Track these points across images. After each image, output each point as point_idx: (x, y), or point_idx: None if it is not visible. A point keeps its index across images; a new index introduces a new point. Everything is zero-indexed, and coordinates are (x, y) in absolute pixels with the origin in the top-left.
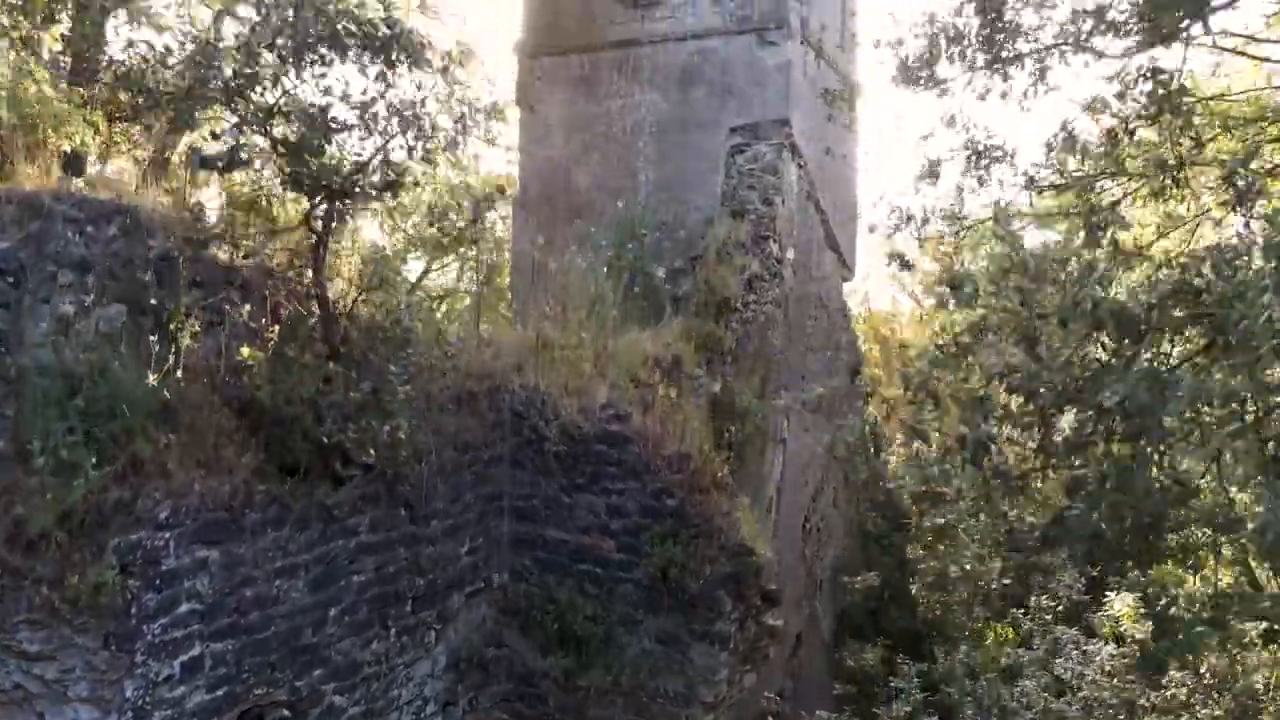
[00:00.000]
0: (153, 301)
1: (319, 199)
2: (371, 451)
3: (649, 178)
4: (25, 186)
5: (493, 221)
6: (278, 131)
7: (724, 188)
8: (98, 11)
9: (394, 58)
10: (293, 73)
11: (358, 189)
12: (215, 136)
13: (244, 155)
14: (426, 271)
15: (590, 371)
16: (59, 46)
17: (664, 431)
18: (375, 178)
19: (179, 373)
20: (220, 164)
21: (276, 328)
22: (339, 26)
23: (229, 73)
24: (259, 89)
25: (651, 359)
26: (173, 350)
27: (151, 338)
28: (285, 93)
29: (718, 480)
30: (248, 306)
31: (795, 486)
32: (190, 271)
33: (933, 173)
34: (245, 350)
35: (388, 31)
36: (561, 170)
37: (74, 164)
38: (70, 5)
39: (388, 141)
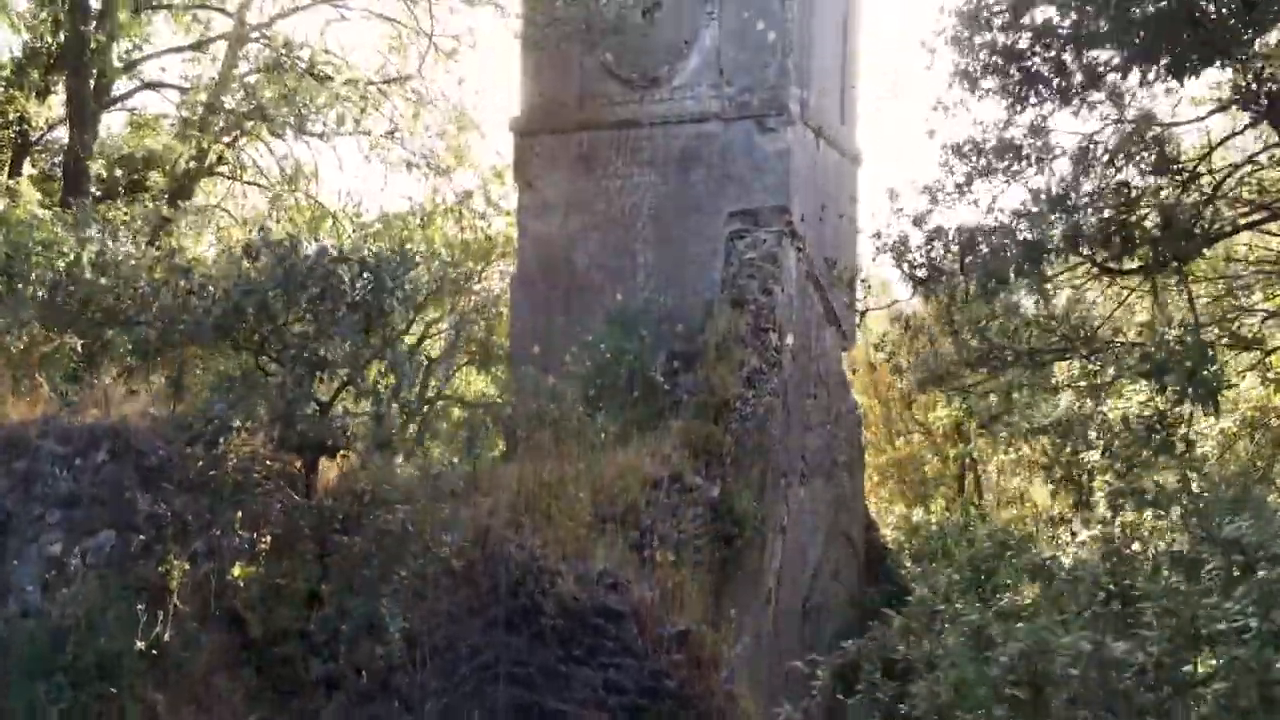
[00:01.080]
0: (142, 520)
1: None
2: (364, 675)
3: (648, 259)
4: (12, 417)
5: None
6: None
7: (723, 274)
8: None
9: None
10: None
11: (345, 448)
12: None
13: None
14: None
15: (587, 523)
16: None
17: (662, 600)
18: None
19: (171, 604)
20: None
21: (269, 539)
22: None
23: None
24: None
25: (650, 483)
26: (163, 573)
27: (141, 563)
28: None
29: (717, 657)
30: (239, 514)
31: (794, 569)
32: (181, 476)
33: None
34: (237, 569)
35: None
36: (560, 248)
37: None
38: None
39: (380, 407)
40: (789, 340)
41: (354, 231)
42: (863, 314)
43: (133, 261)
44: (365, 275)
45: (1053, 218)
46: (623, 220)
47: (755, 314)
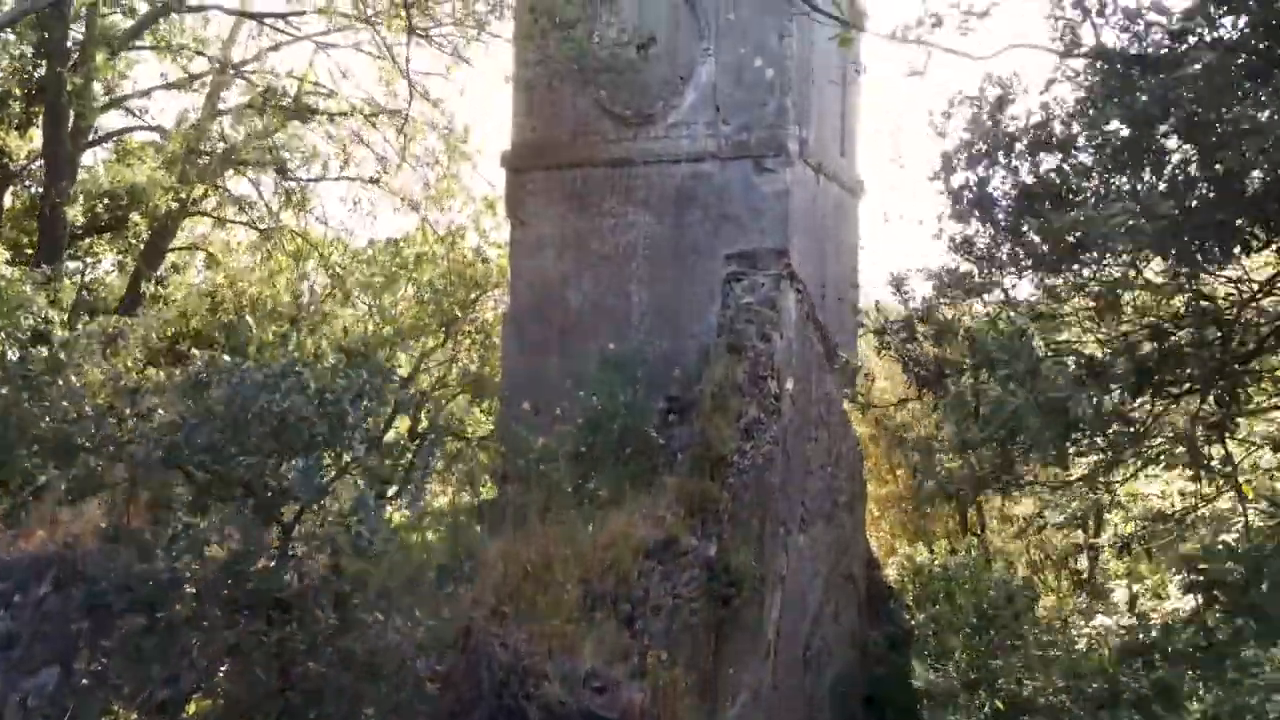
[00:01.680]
0: (88, 652)
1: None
2: None
3: (643, 300)
4: None
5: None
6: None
7: (720, 317)
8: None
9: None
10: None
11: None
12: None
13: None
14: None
15: (575, 612)
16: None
17: (653, 700)
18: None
19: None
20: None
21: (226, 665)
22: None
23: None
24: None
25: (643, 551)
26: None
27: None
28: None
29: None
30: (195, 642)
31: (795, 617)
32: (133, 602)
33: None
34: (193, 705)
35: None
36: (553, 286)
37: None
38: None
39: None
40: (789, 385)
41: (343, 263)
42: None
43: (79, 385)
44: (326, 402)
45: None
46: (617, 260)
47: (753, 361)
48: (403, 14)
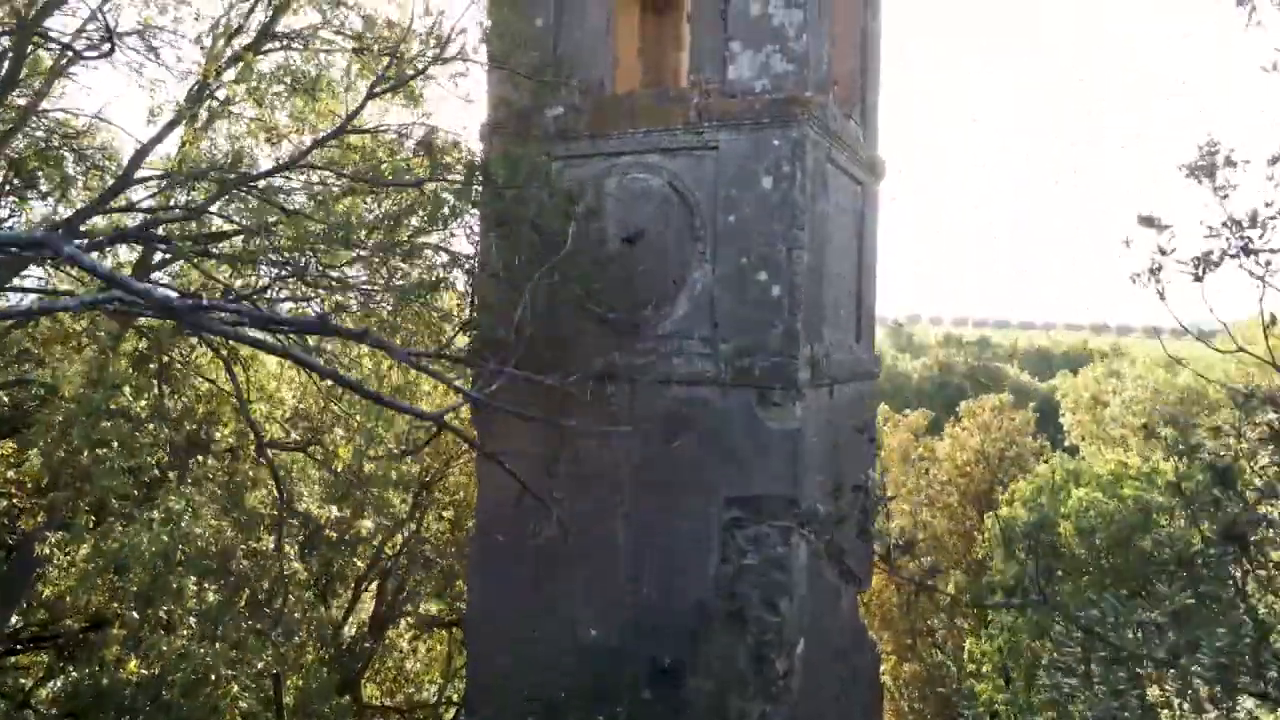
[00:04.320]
0: None
1: None
2: None
3: (629, 539)
4: None
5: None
6: None
7: (718, 570)
8: None
9: None
10: None
11: None
12: None
13: None
14: None
15: None
16: None
17: None
18: None
19: None
20: None
21: None
22: None
23: None
24: None
25: None
26: None
27: None
28: None
29: None
30: None
31: None
32: None
33: None
34: None
35: None
36: (526, 511)
37: None
38: None
39: None
40: (799, 648)
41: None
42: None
43: None
44: None
45: None
46: (599, 487)
47: (758, 636)
48: None
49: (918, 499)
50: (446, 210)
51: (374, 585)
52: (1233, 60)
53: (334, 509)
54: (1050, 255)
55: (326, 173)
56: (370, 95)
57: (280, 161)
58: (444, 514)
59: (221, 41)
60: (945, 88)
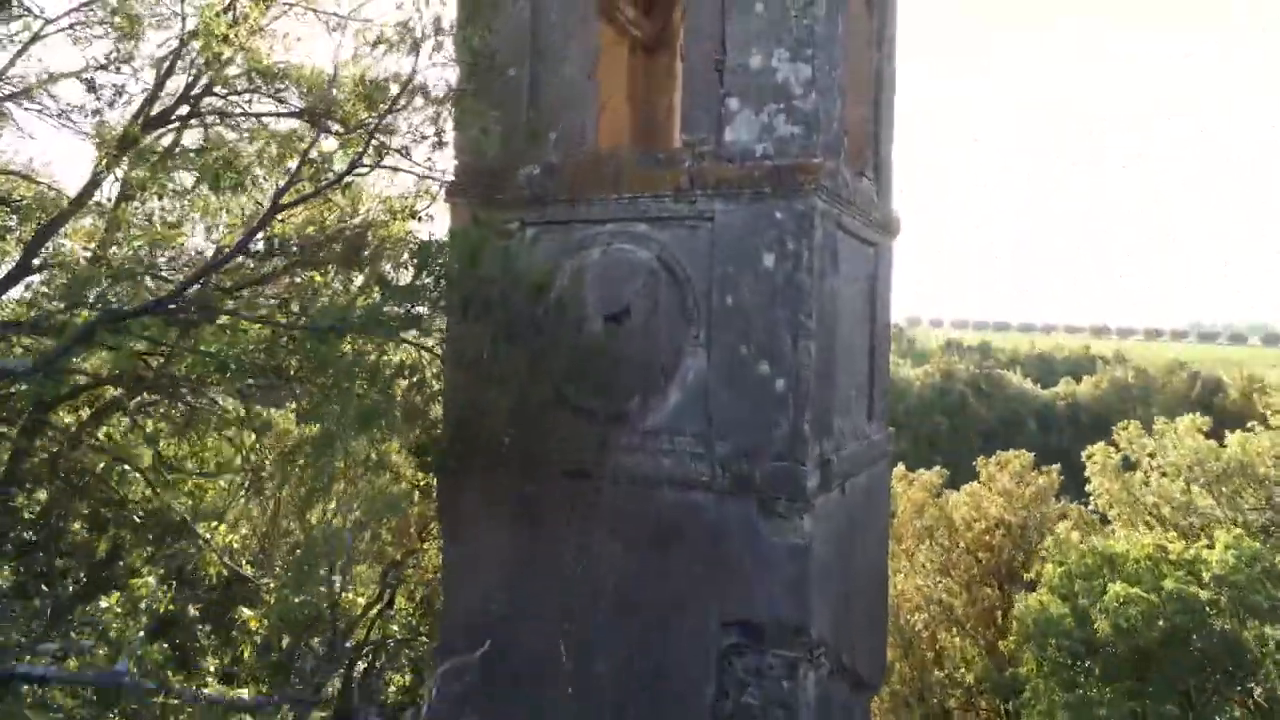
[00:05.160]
0: None
1: None
2: None
3: (611, 661)
4: None
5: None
6: None
7: (715, 703)
8: None
9: None
10: None
11: None
12: None
13: None
14: None
15: None
16: None
17: None
18: None
19: None
20: None
21: None
22: None
23: None
24: None
25: None
26: None
27: None
28: None
29: None
30: None
31: None
32: None
33: None
34: None
35: None
36: (497, 622)
37: None
38: None
39: None
40: None
41: None
42: None
43: None
44: None
45: None
46: (578, 600)
47: None
48: None
49: (932, 570)
50: (392, 322)
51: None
52: (1234, 80)
53: None
54: (1051, 260)
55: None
56: (275, 208)
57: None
58: (415, 593)
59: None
60: (946, 106)
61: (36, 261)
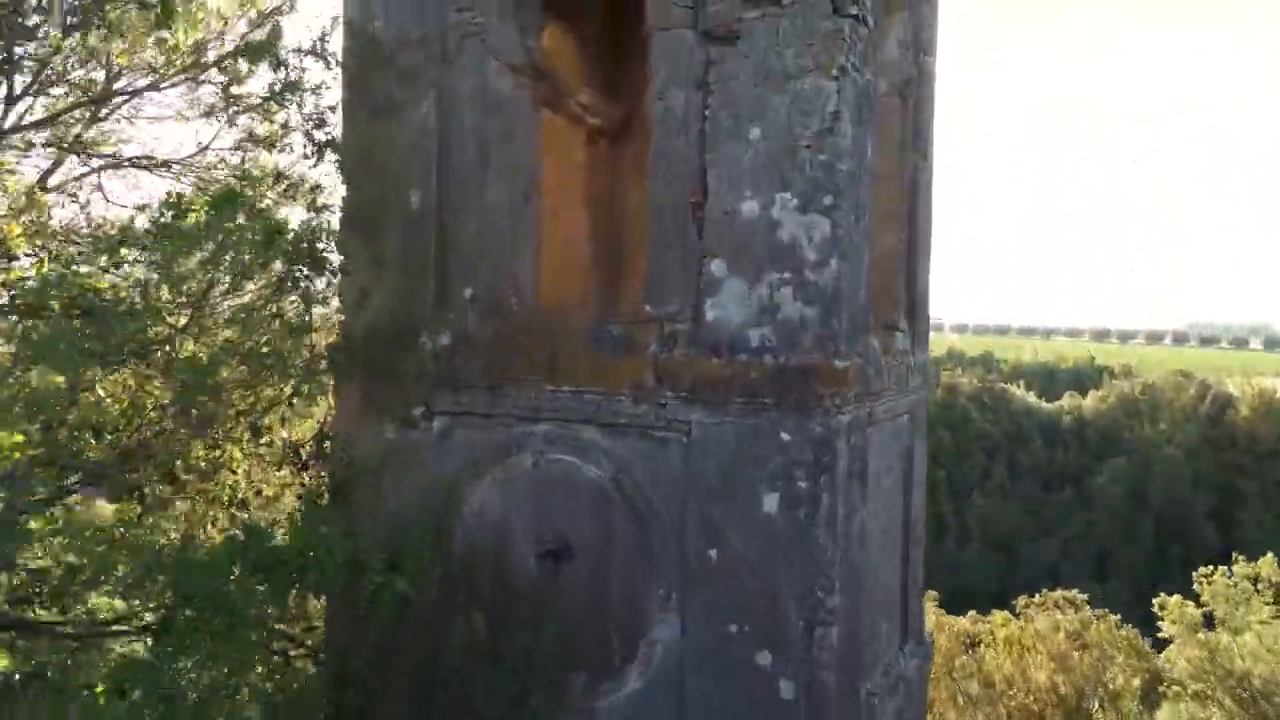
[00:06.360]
0: None
1: None
2: None
3: None
4: None
5: None
6: None
7: None
8: None
9: None
10: None
11: None
12: None
13: None
14: None
15: None
16: None
17: None
18: None
19: None
20: None
21: None
22: None
23: None
24: None
25: None
26: None
27: None
28: None
29: None
30: None
31: None
32: None
33: None
34: None
35: None
36: None
37: None
38: None
39: None
40: None
41: None
42: None
43: None
44: None
45: None
46: None
47: None
48: None
49: None
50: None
51: None
52: (1245, 75)
53: None
54: (1057, 258)
55: None
56: None
57: None
58: None
59: None
60: (958, 100)
61: None
